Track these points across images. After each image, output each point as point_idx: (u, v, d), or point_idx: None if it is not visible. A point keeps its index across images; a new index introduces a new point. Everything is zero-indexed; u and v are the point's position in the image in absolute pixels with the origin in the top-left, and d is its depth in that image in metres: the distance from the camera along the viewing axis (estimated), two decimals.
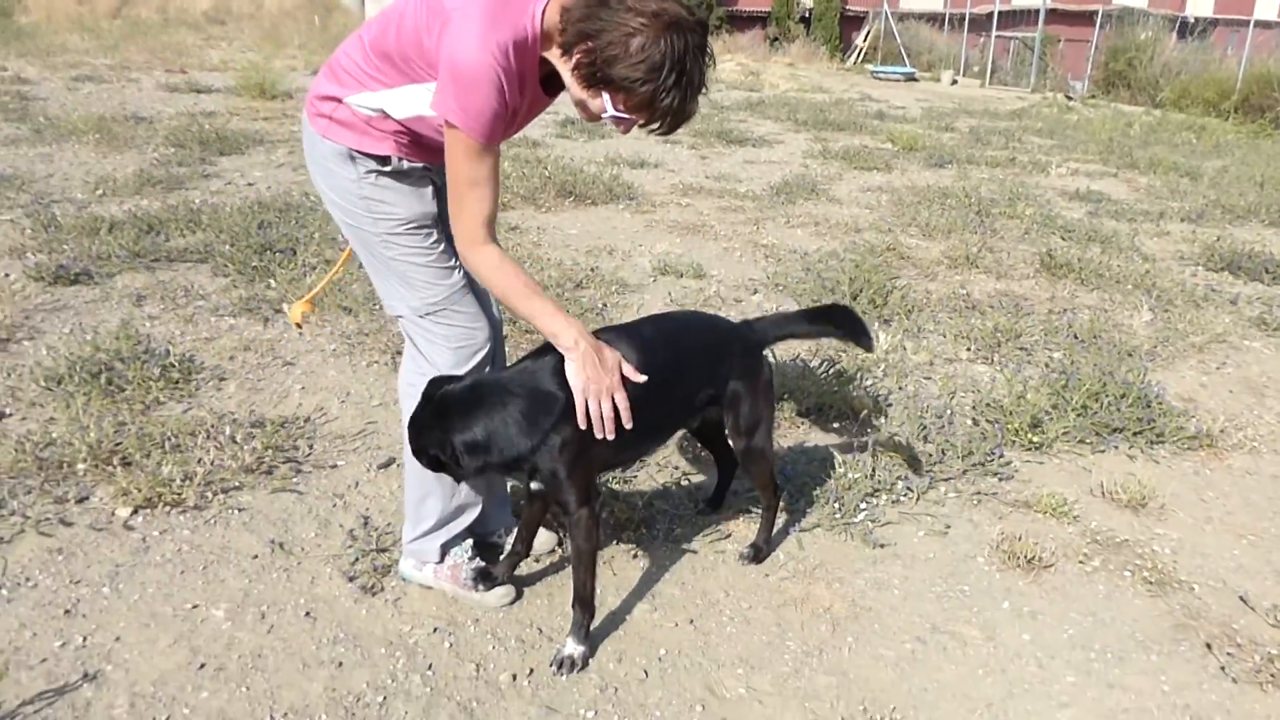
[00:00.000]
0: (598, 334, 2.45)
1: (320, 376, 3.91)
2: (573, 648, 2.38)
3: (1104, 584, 2.91)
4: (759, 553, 2.89)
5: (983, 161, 10.23)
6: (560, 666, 2.35)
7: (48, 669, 2.22)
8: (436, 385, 2.27)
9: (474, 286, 2.45)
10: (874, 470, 3.36)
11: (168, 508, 2.90)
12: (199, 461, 3.09)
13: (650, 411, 2.41)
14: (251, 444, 3.22)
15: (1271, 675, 2.52)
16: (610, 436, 2.20)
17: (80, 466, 3.00)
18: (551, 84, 2.21)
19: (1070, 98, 19.77)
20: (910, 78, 22.07)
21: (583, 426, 2.19)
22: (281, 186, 6.69)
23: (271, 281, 4.79)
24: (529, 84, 2.14)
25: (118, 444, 3.13)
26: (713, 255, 6.07)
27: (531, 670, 2.36)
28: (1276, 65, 18.35)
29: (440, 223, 2.35)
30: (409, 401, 2.45)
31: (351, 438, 3.45)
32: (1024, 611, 2.75)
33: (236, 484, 3.06)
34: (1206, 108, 18.15)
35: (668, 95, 1.99)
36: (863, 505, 3.19)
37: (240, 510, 2.94)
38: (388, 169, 2.26)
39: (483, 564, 2.62)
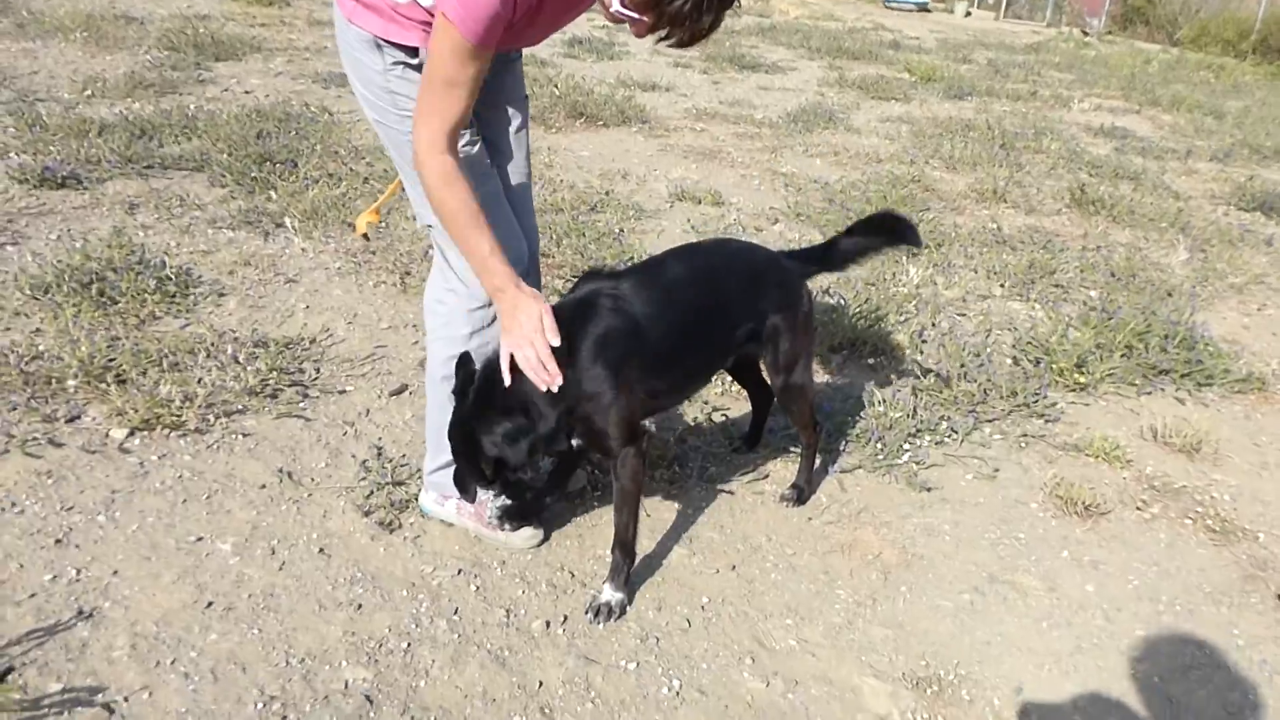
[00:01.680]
0: (632, 269, 2.26)
1: (325, 296, 3.67)
2: (610, 594, 2.20)
3: (1165, 532, 2.74)
4: (800, 494, 2.71)
5: (1003, 94, 9.88)
6: (597, 614, 2.17)
7: (37, 604, 2.02)
8: (465, 378, 2.06)
9: (511, 197, 2.22)
10: (915, 409, 3.18)
11: (167, 430, 2.69)
12: (199, 382, 2.87)
13: (690, 354, 2.26)
14: (255, 365, 3.00)
15: None
16: (555, 387, 1.97)
17: (70, 383, 2.78)
18: None
19: (1087, 33, 19.20)
20: (923, 8, 21.36)
21: (506, 380, 2.00)
22: (281, 96, 6.34)
23: (272, 194, 4.51)
24: None
25: (111, 359, 2.90)
26: (730, 182, 5.80)
27: (565, 618, 2.18)
28: None
29: (473, 125, 2.10)
30: (434, 319, 2.25)
31: (360, 362, 3.23)
32: (1084, 561, 2.58)
33: (240, 407, 2.84)
34: (1225, 47, 17.68)
35: None
36: (906, 446, 3.00)
37: (245, 435, 2.73)
38: (415, 61, 2.01)
39: (508, 501, 2.43)
